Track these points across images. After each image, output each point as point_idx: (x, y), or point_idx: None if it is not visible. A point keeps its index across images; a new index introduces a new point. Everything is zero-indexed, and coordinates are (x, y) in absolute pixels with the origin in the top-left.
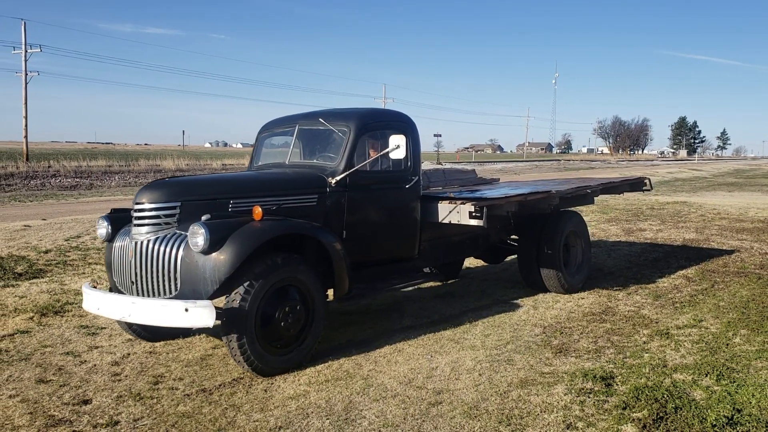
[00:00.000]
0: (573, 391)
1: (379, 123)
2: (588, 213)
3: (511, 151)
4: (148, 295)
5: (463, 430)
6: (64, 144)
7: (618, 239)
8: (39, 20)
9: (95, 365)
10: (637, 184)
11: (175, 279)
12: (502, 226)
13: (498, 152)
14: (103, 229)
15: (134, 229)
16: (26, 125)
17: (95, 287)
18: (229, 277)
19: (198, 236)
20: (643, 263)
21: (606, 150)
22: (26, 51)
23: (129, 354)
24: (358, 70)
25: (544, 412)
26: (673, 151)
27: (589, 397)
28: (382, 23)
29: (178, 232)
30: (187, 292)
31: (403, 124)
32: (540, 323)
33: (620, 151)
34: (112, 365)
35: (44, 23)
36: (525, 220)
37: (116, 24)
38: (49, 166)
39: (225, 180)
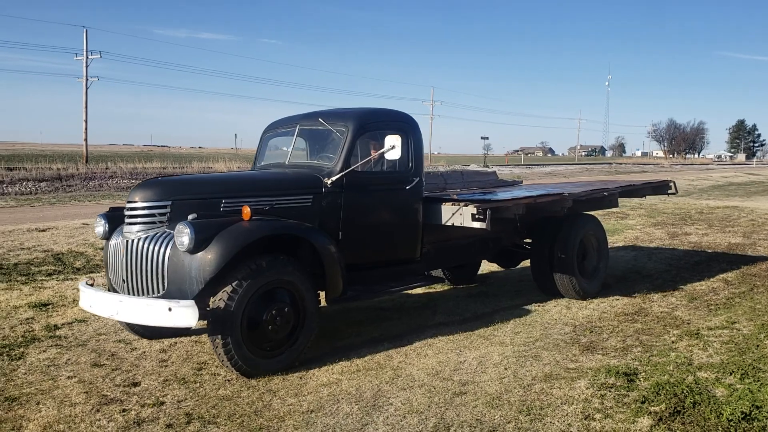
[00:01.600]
0: (595, 386)
1: (378, 123)
2: (635, 217)
3: (562, 154)
4: (138, 294)
5: (484, 418)
6: (121, 147)
7: (661, 242)
8: (98, 27)
9: (144, 352)
10: (661, 187)
11: (163, 278)
12: (514, 229)
13: (549, 155)
14: (100, 227)
15: (126, 228)
16: (86, 129)
17: (92, 285)
18: (214, 277)
19: (183, 235)
20: (683, 266)
21: (660, 153)
22: (87, 57)
23: (176, 342)
24: (407, 73)
25: (564, 404)
26: (730, 154)
27: (609, 392)
28: (432, 26)
29: (167, 231)
30: (174, 291)
31: (404, 124)
32: (571, 322)
33: (675, 155)
34: (160, 352)
35: (102, 30)
36: (538, 223)
37: (171, 29)
38: (106, 168)
39: (217, 179)
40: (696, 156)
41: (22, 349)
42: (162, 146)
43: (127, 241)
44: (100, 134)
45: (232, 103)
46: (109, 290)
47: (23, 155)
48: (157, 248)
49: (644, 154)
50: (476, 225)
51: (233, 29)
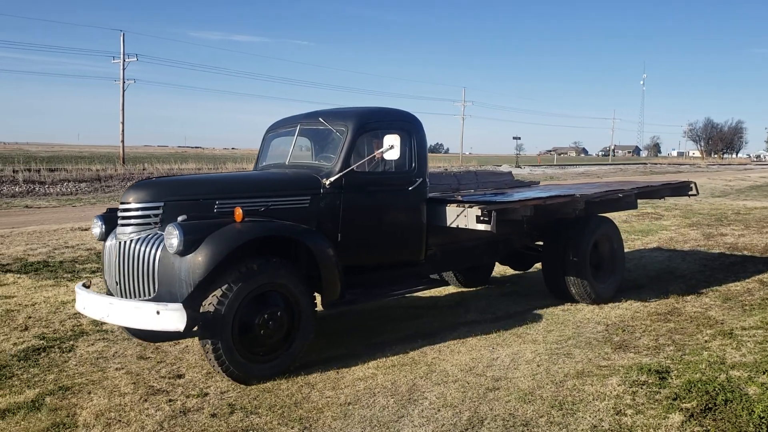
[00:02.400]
0: (627, 383)
1: (379, 122)
2: (669, 217)
3: (596, 155)
4: (130, 296)
5: (517, 412)
6: (156, 148)
7: (696, 243)
8: (134, 30)
9: (187, 346)
10: (681, 189)
11: (154, 280)
12: (524, 231)
13: (582, 155)
14: (97, 228)
15: (119, 229)
16: (123, 130)
17: (87, 287)
18: (204, 280)
19: (172, 237)
20: (718, 267)
21: (697, 153)
22: (124, 60)
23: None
24: (438, 74)
25: (596, 399)
26: None
27: (641, 389)
28: (463, 27)
29: (159, 232)
30: (164, 294)
31: (407, 124)
32: (603, 321)
33: (712, 155)
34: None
35: (138, 33)
36: (550, 225)
37: (205, 32)
38: (143, 169)
39: (211, 180)
40: (734, 156)
41: (72, 342)
42: (196, 147)
43: (120, 242)
44: (135, 135)
45: (264, 104)
46: (107, 292)
47: (62, 156)
48: (148, 250)
49: (680, 154)
50: (481, 227)
51: (265, 31)
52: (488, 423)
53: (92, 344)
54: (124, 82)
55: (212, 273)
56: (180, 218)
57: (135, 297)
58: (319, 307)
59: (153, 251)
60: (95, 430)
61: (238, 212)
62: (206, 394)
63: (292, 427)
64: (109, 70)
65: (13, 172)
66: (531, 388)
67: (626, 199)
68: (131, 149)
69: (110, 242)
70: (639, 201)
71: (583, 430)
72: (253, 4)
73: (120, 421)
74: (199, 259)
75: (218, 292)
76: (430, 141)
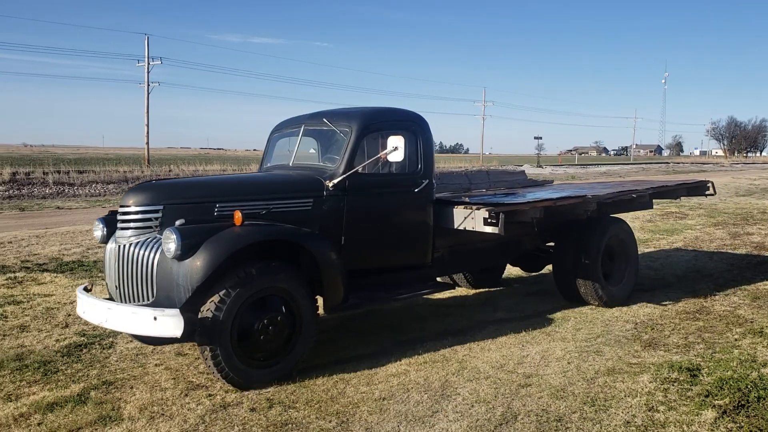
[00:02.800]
0: (658, 380)
1: (384, 123)
2: (694, 217)
3: (610, 153)
4: (129, 301)
5: (549, 408)
6: (179, 150)
7: (722, 242)
8: (157, 33)
9: None
10: (698, 188)
11: (152, 285)
12: (535, 233)
13: (603, 154)
14: (98, 231)
15: (118, 233)
16: (147, 132)
17: (89, 290)
18: (202, 285)
19: (170, 241)
20: (746, 266)
21: (720, 152)
22: (149, 63)
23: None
24: (459, 73)
25: (628, 396)
26: None
27: (673, 386)
28: (483, 27)
29: (158, 236)
30: (162, 299)
31: (413, 124)
32: (632, 320)
33: (736, 154)
34: None
35: (159, 36)
36: (562, 226)
37: (225, 34)
38: (169, 170)
39: (211, 183)
40: (758, 155)
41: (111, 339)
42: (218, 149)
43: (119, 246)
44: (158, 137)
45: (285, 105)
46: (109, 296)
47: (88, 158)
48: (146, 254)
49: (703, 153)
50: (489, 230)
51: (284, 33)
52: (522, 418)
53: (131, 341)
54: (148, 85)
55: (210, 278)
56: (178, 222)
57: (134, 301)
58: (321, 312)
59: (151, 255)
60: (140, 423)
61: (238, 216)
62: (244, 390)
63: (330, 421)
64: (131, 72)
65: (44, 174)
66: (562, 384)
67: (640, 199)
68: (155, 151)
69: (110, 245)
70: (657, 201)
71: (616, 425)
72: (270, 5)
73: (163, 414)
74: (197, 263)
75: (216, 298)
76: (451, 142)
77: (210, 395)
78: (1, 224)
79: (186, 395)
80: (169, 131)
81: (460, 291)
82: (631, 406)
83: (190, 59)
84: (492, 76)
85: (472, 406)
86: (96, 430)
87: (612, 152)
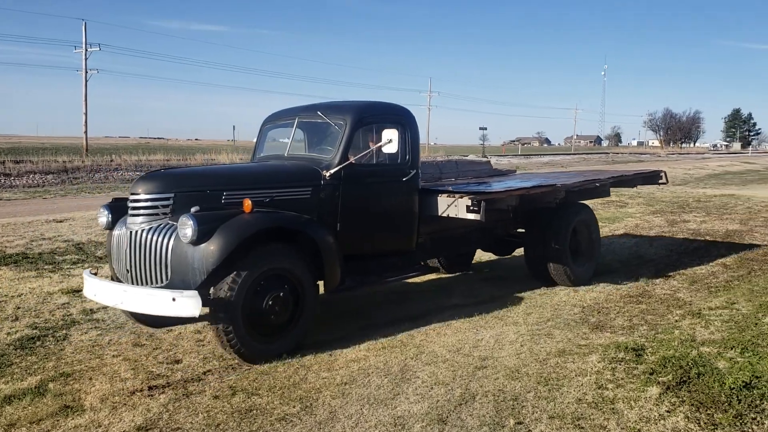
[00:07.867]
0: (606, 360)
1: (376, 116)
2: (633, 205)
3: (558, 144)
4: (142, 284)
5: (505, 388)
6: (117, 139)
7: (661, 230)
8: (95, 19)
9: (180, 333)
10: (652, 177)
11: (166, 268)
12: (507, 219)
13: (545, 145)
14: (103, 217)
15: (129, 219)
16: (86, 121)
17: (95, 274)
18: (216, 268)
19: (187, 227)
20: (683, 252)
21: (656, 143)
22: (86, 50)
23: (210, 324)
24: (403, 63)
25: (579, 375)
26: (726, 144)
27: (620, 365)
28: (427, 16)
29: (170, 222)
30: (177, 281)
31: (402, 118)
32: (579, 304)
33: (671, 144)
34: (195, 333)
35: (99, 21)
36: (532, 213)
37: (163, 21)
38: (111, 160)
39: (219, 172)
40: (692, 145)
41: (64, 331)
42: (158, 138)
43: (131, 231)
44: (95, 126)
45: (229, 95)
46: (112, 279)
47: (23, 148)
48: (160, 239)
49: (640, 144)
50: (471, 217)
51: (224, 20)
52: (480, 399)
53: (85, 333)
54: (86, 72)
55: (224, 261)
56: (193, 209)
57: (147, 284)
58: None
59: (165, 240)
60: (103, 413)
61: (248, 203)
62: (206, 378)
63: (294, 407)
64: (67, 59)
65: None
66: (517, 366)
67: (602, 187)
68: (92, 140)
69: (119, 231)
70: (612, 190)
71: (569, 403)
72: None
73: (125, 404)
74: (211, 248)
75: (229, 279)
76: None
77: (171, 384)
78: None
79: (147, 385)
80: (106, 120)
81: (418, 278)
82: (582, 385)
83: (129, 46)
84: (437, 66)
85: (432, 388)
86: (58, 421)
87: (605, 143)
